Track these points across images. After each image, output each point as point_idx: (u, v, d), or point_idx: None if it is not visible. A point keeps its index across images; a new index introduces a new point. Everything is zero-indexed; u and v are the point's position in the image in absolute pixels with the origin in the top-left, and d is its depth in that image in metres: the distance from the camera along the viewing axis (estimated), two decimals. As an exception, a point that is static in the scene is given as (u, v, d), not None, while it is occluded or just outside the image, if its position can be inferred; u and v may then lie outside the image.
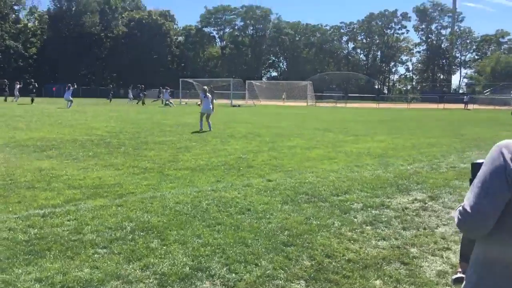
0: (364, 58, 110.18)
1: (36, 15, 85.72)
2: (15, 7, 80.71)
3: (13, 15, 78.95)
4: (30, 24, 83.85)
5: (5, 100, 39.81)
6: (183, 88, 53.92)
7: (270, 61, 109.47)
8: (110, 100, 46.05)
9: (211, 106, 16.74)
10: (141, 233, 4.73)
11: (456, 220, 1.71)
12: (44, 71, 75.50)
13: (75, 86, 32.25)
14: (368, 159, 10.13)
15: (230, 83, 49.80)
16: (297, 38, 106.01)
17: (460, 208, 1.69)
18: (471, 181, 1.76)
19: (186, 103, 47.74)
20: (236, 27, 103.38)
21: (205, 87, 17.75)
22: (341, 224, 5.25)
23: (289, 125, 19.57)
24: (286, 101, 57.46)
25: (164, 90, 42.40)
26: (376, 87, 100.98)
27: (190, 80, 57.75)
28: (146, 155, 10.07)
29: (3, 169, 7.94)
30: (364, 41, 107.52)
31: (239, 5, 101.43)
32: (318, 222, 5.26)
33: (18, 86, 39.95)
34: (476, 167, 1.78)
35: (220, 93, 55.81)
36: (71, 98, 31.31)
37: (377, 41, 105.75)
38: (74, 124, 17.19)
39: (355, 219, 5.46)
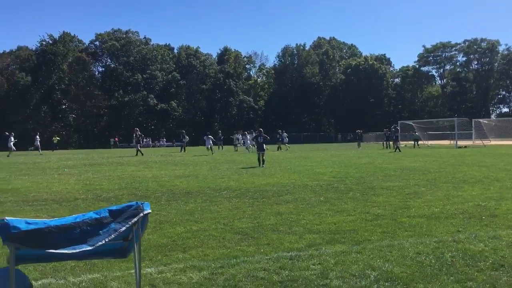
0: None
1: (264, 71, 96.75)
2: (247, 66, 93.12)
3: (246, 73, 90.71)
4: (259, 80, 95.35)
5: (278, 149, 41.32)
6: (401, 130, 52.59)
7: (499, 96, 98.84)
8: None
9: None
10: (386, 283, 4.66)
11: None
12: (270, 120, 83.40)
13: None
14: None
15: (454, 123, 46.62)
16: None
17: None
18: None
19: (405, 145, 46.29)
20: (457, 63, 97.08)
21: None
22: None
23: (533, 168, 17.08)
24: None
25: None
26: None
27: (409, 122, 56.08)
28: (375, 200, 10.02)
29: (250, 212, 8.91)
30: None
31: (460, 40, 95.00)
32: None
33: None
34: None
35: (441, 133, 52.63)
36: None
37: None
38: (302, 170, 18.32)
39: None
